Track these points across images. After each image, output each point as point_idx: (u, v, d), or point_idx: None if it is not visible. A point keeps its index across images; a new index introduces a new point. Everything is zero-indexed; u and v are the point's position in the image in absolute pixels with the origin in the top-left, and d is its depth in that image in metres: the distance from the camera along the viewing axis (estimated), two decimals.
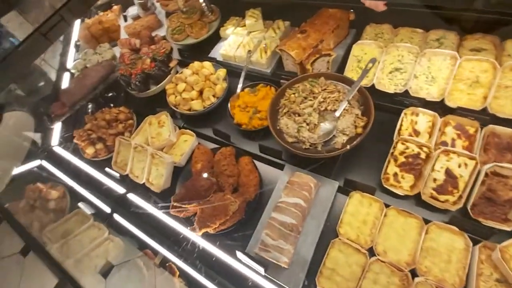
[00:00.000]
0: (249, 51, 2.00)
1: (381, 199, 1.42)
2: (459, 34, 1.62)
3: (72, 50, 2.99)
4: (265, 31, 2.13)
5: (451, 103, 1.47)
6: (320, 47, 1.70)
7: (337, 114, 1.45)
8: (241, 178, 1.71)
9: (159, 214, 1.76)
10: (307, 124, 1.49)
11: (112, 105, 2.46)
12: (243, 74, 1.98)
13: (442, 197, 1.31)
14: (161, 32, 2.70)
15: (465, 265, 1.20)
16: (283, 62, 1.87)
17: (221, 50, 2.14)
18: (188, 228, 1.59)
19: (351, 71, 1.72)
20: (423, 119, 1.49)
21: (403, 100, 1.58)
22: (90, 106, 2.52)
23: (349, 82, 1.55)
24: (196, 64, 2.09)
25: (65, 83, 2.68)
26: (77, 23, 3.25)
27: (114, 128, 2.17)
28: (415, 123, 1.50)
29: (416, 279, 1.20)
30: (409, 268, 1.24)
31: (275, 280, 1.35)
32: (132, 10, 2.89)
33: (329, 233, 1.45)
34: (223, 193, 1.63)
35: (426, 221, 1.32)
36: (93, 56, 2.70)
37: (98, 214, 1.92)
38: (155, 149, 1.92)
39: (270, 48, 1.98)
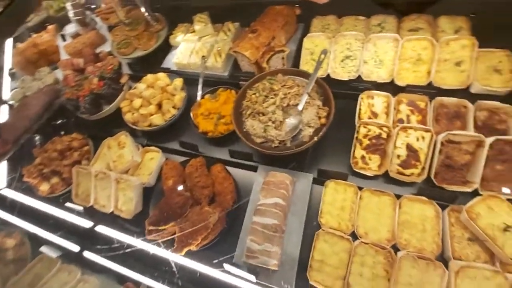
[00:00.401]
0: (203, 56, 1.95)
1: (354, 183, 1.46)
2: (397, 17, 1.73)
3: (7, 79, 2.68)
4: (216, 34, 2.10)
5: (400, 82, 1.56)
6: (272, 44, 1.71)
7: (300, 108, 1.47)
8: (216, 187, 1.66)
9: (135, 242, 1.64)
10: (273, 122, 1.48)
11: (63, 133, 2.25)
12: (200, 80, 1.93)
13: (407, 171, 1.39)
14: (106, 48, 2.53)
15: (438, 231, 1.28)
16: (239, 63, 1.85)
17: (174, 59, 2.06)
18: (170, 250, 1.50)
19: (306, 64, 1.75)
20: (379, 100, 1.57)
21: (358, 86, 1.65)
22: (37, 138, 2.28)
23: (306, 75, 1.58)
24: (149, 76, 1.99)
25: (3, 117, 2.39)
26: (9, 49, 2.93)
27: (69, 158, 1.99)
28: (372, 106, 1.57)
29: (399, 254, 1.25)
30: (390, 244, 1.29)
31: (267, 285, 1.33)
32: (70, 28, 2.68)
33: (312, 226, 1.46)
34: (200, 206, 1.57)
35: (398, 197, 1.39)
36: (33, 83, 2.44)
37: (66, 255, 1.73)
38: (119, 173, 1.79)
39: (224, 51, 1.95)
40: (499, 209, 1.20)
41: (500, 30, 1.50)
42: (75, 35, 2.66)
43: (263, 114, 1.50)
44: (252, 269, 1.36)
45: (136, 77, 2.22)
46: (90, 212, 1.83)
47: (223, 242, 1.55)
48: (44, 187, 1.92)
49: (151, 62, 2.24)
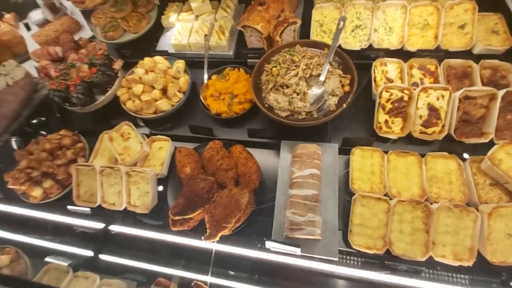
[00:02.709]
0: (206, 35, 1.84)
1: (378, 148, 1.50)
2: None
3: None
4: (213, 12, 1.99)
5: (410, 47, 1.63)
6: (282, 17, 1.67)
7: (322, 78, 1.45)
8: (240, 168, 1.59)
9: (158, 236, 1.52)
10: (297, 94, 1.45)
11: (44, 132, 1.99)
12: (206, 61, 1.82)
13: (429, 130, 1.46)
14: (84, 34, 2.27)
15: (463, 181, 1.37)
16: (246, 39, 1.78)
17: (172, 41, 1.92)
18: (202, 238, 1.41)
19: (316, 36, 1.74)
20: (392, 67, 1.62)
21: (369, 54, 1.68)
22: (13, 139, 1.99)
23: (321, 46, 1.57)
24: (147, 60, 1.83)
25: None
26: None
27: (62, 157, 1.76)
28: (386, 72, 1.61)
29: (434, 206, 1.32)
30: (423, 199, 1.36)
31: (312, 255, 1.32)
32: (36, 15, 2.35)
33: (343, 194, 1.48)
34: (228, 189, 1.50)
35: (422, 155, 1.46)
36: None
37: (78, 262, 1.55)
38: (128, 166, 1.64)
39: (226, 28, 1.86)
40: None
41: None
42: (43, 23, 2.35)
43: (287, 87, 1.46)
44: (293, 243, 1.33)
45: (126, 64, 2.03)
46: (97, 213, 1.65)
47: (255, 223, 1.51)
48: (37, 192, 1.68)
49: (143, 46, 2.06)
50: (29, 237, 1.66)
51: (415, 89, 1.48)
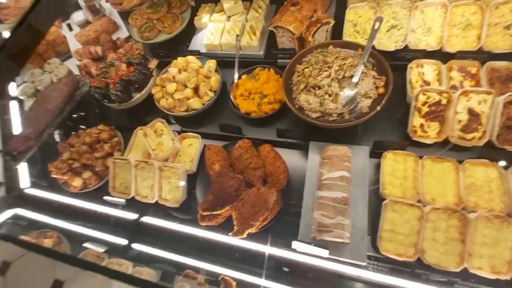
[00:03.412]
0: (237, 35, 1.87)
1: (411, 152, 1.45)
2: None
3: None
4: (245, 13, 2.01)
5: (450, 48, 1.56)
6: (315, 18, 1.66)
7: (356, 79, 1.43)
8: (267, 168, 1.61)
9: (187, 230, 1.58)
10: (329, 96, 1.44)
11: (83, 126, 2.13)
12: (236, 61, 1.85)
13: (468, 136, 1.39)
14: (121, 34, 2.39)
15: (504, 191, 1.30)
16: (277, 40, 1.79)
17: (204, 41, 1.97)
18: (229, 234, 1.45)
19: (349, 37, 1.71)
20: (429, 68, 1.56)
21: (405, 56, 1.63)
22: (56, 132, 2.15)
23: (355, 46, 1.54)
24: (180, 59, 1.90)
25: (16, 113, 2.23)
26: None
27: (100, 150, 1.88)
28: (423, 74, 1.56)
29: (471, 215, 1.26)
30: (459, 207, 1.30)
31: (339, 258, 1.32)
32: (78, 16, 2.50)
33: (372, 198, 1.45)
34: (256, 188, 1.52)
35: (459, 162, 1.39)
36: (44, 76, 2.27)
37: (112, 250, 1.65)
38: (161, 161, 1.71)
39: (258, 28, 1.88)
40: None
41: None
42: (84, 24, 2.50)
43: (319, 88, 1.45)
44: (321, 245, 1.33)
45: (161, 63, 2.11)
46: (130, 205, 1.74)
47: (281, 223, 1.52)
48: (77, 182, 1.81)
49: (176, 46, 2.14)
50: (68, 223, 1.79)
51: (454, 92, 1.41)
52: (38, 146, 1.96)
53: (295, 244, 1.35)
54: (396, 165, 1.45)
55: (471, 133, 1.39)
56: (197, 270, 1.51)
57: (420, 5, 1.59)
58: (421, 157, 1.43)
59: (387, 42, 1.64)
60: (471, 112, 1.38)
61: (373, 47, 1.64)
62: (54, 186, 1.94)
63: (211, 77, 1.85)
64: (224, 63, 1.97)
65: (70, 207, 1.84)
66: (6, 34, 2.01)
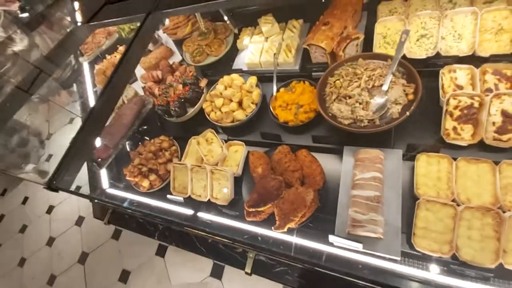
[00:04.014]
0: (275, 54, 2.12)
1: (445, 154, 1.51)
2: None
3: (91, 96, 3.09)
4: (281, 33, 2.26)
5: (483, 53, 1.59)
6: (345, 33, 1.82)
7: (385, 87, 1.56)
8: (305, 170, 1.80)
9: (237, 224, 1.83)
10: (360, 104, 1.59)
11: (147, 138, 2.55)
12: (274, 76, 2.09)
13: (504, 137, 1.42)
14: (175, 59, 2.81)
15: None
16: (311, 55, 1.99)
17: (246, 60, 2.26)
18: (272, 228, 1.66)
19: (379, 49, 1.84)
20: (461, 73, 1.61)
21: (436, 62, 1.70)
22: (127, 143, 2.61)
23: (384, 57, 1.67)
24: (226, 78, 2.20)
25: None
26: (86, 71, 3.40)
27: (162, 157, 2.25)
28: (455, 79, 1.61)
29: (506, 214, 1.29)
30: (495, 207, 1.33)
31: (373, 253, 1.43)
32: None
33: (407, 199, 1.54)
34: (294, 188, 1.72)
35: (495, 163, 1.42)
36: None
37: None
38: (212, 165, 2.01)
39: (293, 46, 2.10)
40: None
41: None
42: (146, 52, 2.98)
43: (350, 97, 1.61)
44: (356, 240, 1.46)
45: (209, 81, 2.46)
46: (188, 203, 2.06)
47: (319, 220, 1.68)
48: (146, 183, 2.20)
49: (222, 66, 2.47)
50: (139, 217, 2.17)
51: (487, 95, 1.46)
52: (115, 154, 2.42)
53: (331, 238, 1.50)
54: (430, 167, 1.52)
55: (507, 134, 1.41)
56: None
57: (449, 13, 1.66)
58: (455, 159, 1.48)
59: (418, 51, 1.73)
60: (504, 114, 1.41)
61: (404, 56, 1.76)
62: (128, 187, 2.37)
63: (252, 92, 2.11)
64: (264, 78, 2.22)
65: (141, 204, 2.24)
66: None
